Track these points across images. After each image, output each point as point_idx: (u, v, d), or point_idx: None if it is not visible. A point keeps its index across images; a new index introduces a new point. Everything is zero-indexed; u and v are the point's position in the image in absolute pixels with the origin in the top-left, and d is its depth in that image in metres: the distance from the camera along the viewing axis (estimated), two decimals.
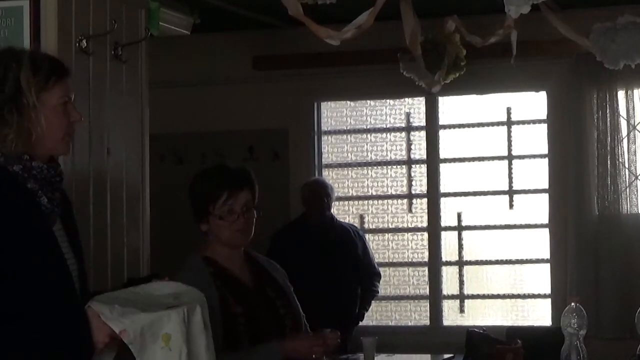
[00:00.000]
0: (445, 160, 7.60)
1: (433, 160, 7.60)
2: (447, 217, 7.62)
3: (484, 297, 7.58)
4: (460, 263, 7.60)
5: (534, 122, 7.48)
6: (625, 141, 7.07)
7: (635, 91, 7.08)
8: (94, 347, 2.59)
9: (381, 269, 7.14)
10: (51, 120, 2.74)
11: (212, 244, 3.66)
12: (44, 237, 2.72)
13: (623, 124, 7.08)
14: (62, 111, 2.77)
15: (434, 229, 7.60)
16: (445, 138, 7.61)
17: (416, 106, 7.69)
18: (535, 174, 7.43)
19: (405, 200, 7.73)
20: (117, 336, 2.56)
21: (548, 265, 7.36)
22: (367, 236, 7.33)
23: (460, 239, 7.61)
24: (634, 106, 7.08)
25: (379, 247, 7.67)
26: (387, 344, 5.32)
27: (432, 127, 7.61)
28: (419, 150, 7.68)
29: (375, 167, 7.77)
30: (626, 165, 7.06)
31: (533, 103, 7.48)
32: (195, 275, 3.52)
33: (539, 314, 7.45)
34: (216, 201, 3.60)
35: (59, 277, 2.72)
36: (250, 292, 3.64)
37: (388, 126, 7.76)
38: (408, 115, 7.73)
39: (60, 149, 2.81)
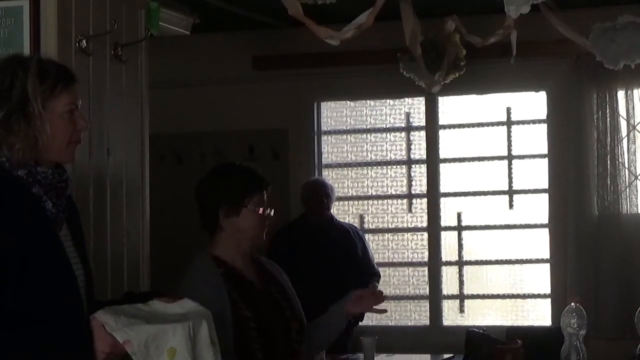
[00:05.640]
0: (445, 160, 7.60)
1: (433, 160, 7.60)
2: (447, 217, 7.62)
3: (483, 297, 7.58)
4: (460, 263, 7.60)
5: (533, 122, 7.48)
6: (625, 141, 7.07)
7: (635, 91, 7.08)
8: (95, 357, 2.57)
9: (381, 269, 7.14)
10: (57, 127, 2.74)
11: (222, 243, 3.65)
12: (49, 241, 2.71)
13: (623, 124, 7.08)
14: (68, 118, 2.77)
15: (433, 229, 7.60)
16: (445, 138, 7.61)
17: (416, 106, 7.69)
18: (535, 174, 7.42)
19: (405, 200, 7.73)
20: (120, 347, 2.55)
21: (548, 265, 7.36)
22: (367, 236, 7.33)
23: (460, 239, 7.61)
24: (633, 106, 7.08)
25: (378, 247, 7.67)
26: (387, 344, 5.32)
27: (432, 127, 7.61)
28: (419, 150, 7.67)
29: (375, 167, 7.77)
30: (626, 165, 7.06)
31: (533, 103, 7.48)
32: (206, 276, 3.52)
33: (539, 314, 7.45)
34: (254, 194, 3.63)
35: (64, 282, 2.72)
36: (258, 294, 3.64)
37: (388, 126, 7.76)
38: (408, 115, 7.73)
39: (64, 157, 2.81)
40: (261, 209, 3.63)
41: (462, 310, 7.60)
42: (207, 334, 2.66)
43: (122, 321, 2.56)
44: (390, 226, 7.73)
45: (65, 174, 2.81)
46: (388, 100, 7.75)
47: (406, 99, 7.70)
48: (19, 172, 2.71)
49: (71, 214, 2.85)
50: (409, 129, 7.73)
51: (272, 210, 3.71)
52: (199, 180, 3.73)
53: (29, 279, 2.63)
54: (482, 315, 7.57)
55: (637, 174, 7.06)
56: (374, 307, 3.81)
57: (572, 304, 3.89)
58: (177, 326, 2.60)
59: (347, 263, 6.83)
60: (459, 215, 7.60)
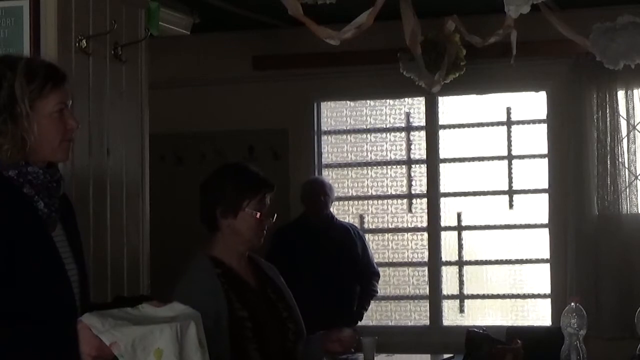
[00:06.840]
0: (445, 160, 7.60)
1: (433, 160, 7.60)
2: (447, 217, 7.61)
3: (483, 297, 7.57)
4: (460, 263, 7.60)
5: (533, 122, 7.48)
6: (625, 141, 7.07)
7: (635, 91, 7.08)
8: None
9: (381, 269, 7.14)
10: (46, 128, 2.73)
11: (220, 243, 3.64)
12: (40, 242, 2.70)
13: (623, 124, 7.08)
14: (58, 118, 2.75)
15: (433, 229, 7.60)
16: (445, 138, 7.61)
17: (416, 106, 7.69)
18: (535, 174, 7.42)
19: (405, 200, 7.73)
20: (107, 350, 2.53)
21: (548, 265, 7.35)
22: (367, 236, 7.33)
23: (460, 239, 7.61)
24: (633, 106, 7.08)
25: (378, 247, 7.67)
26: (387, 344, 5.32)
27: (432, 127, 7.61)
28: (419, 150, 7.67)
29: (375, 167, 7.77)
30: (626, 165, 7.06)
31: (533, 103, 7.48)
32: (203, 278, 3.52)
33: (539, 314, 7.45)
34: (254, 196, 3.61)
35: (55, 283, 2.71)
36: (254, 294, 3.64)
37: (388, 126, 7.76)
38: (408, 115, 7.73)
39: (57, 156, 2.79)
40: (259, 214, 3.62)
41: (462, 310, 7.60)
42: (194, 335, 2.63)
43: (109, 323, 2.54)
44: (390, 226, 7.73)
45: (58, 174, 2.79)
46: (388, 100, 7.75)
47: (406, 99, 7.70)
48: (9, 172, 2.70)
49: (66, 213, 2.84)
50: (409, 129, 7.73)
51: (274, 217, 3.69)
52: (204, 178, 3.73)
53: (20, 280, 2.62)
54: (482, 315, 7.57)
55: (637, 174, 7.06)
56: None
57: (572, 304, 3.88)
58: (164, 327, 2.58)
59: (347, 262, 6.83)
60: (459, 215, 7.60)
